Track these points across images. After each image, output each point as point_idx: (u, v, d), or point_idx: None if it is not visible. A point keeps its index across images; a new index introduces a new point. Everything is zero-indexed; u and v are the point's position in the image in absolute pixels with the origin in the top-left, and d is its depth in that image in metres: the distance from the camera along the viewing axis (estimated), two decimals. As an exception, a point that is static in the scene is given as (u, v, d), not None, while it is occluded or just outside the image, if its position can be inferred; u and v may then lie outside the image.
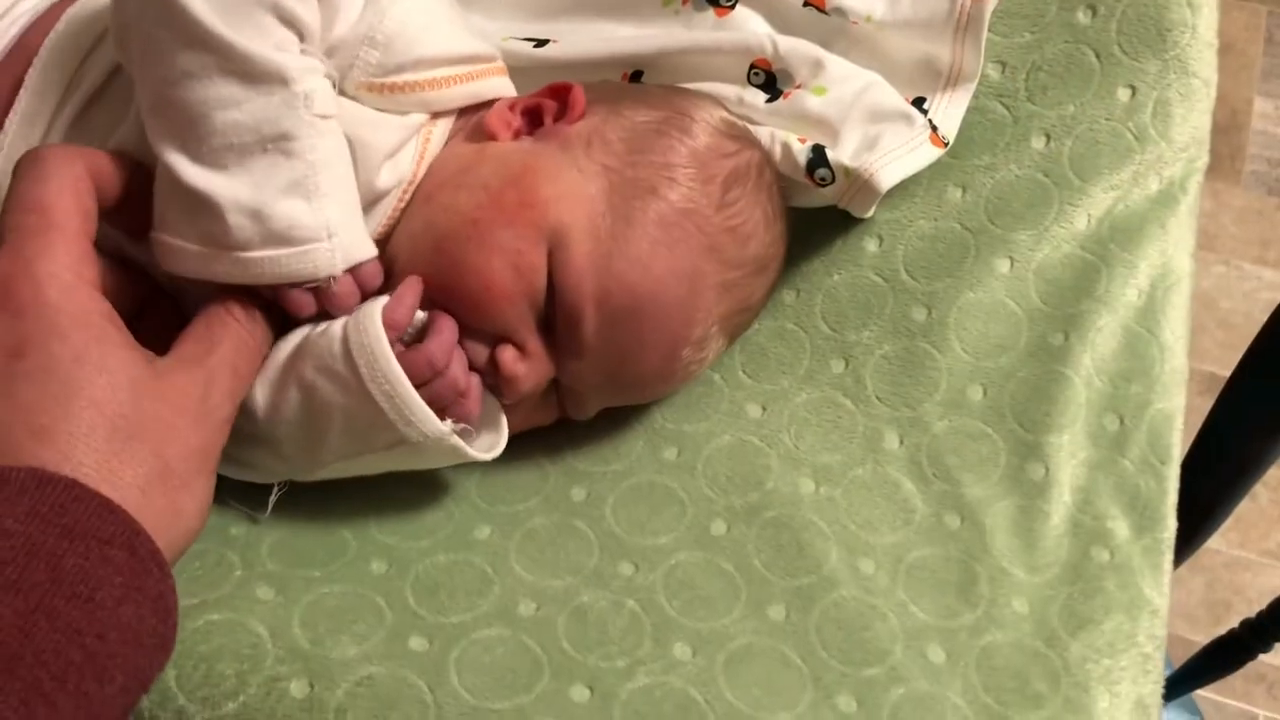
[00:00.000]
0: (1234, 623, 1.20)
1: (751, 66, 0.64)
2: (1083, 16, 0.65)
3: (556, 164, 0.56)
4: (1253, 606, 1.30)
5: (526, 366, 0.55)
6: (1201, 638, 1.16)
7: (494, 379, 0.55)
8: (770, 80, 0.64)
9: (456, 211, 0.55)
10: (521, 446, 0.62)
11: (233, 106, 0.48)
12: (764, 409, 0.64)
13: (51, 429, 0.42)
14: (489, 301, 0.54)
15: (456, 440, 0.53)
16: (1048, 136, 0.66)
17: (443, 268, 0.54)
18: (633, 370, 0.57)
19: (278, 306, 0.52)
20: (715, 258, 0.57)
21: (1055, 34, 0.66)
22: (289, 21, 0.49)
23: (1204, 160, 0.67)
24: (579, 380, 0.57)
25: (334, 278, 0.51)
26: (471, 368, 0.55)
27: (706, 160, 0.57)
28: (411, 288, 0.53)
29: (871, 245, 0.66)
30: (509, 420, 0.57)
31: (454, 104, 0.58)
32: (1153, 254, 0.65)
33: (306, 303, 0.51)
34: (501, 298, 0.54)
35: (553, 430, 0.62)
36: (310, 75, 0.50)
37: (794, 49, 0.63)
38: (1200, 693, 1.20)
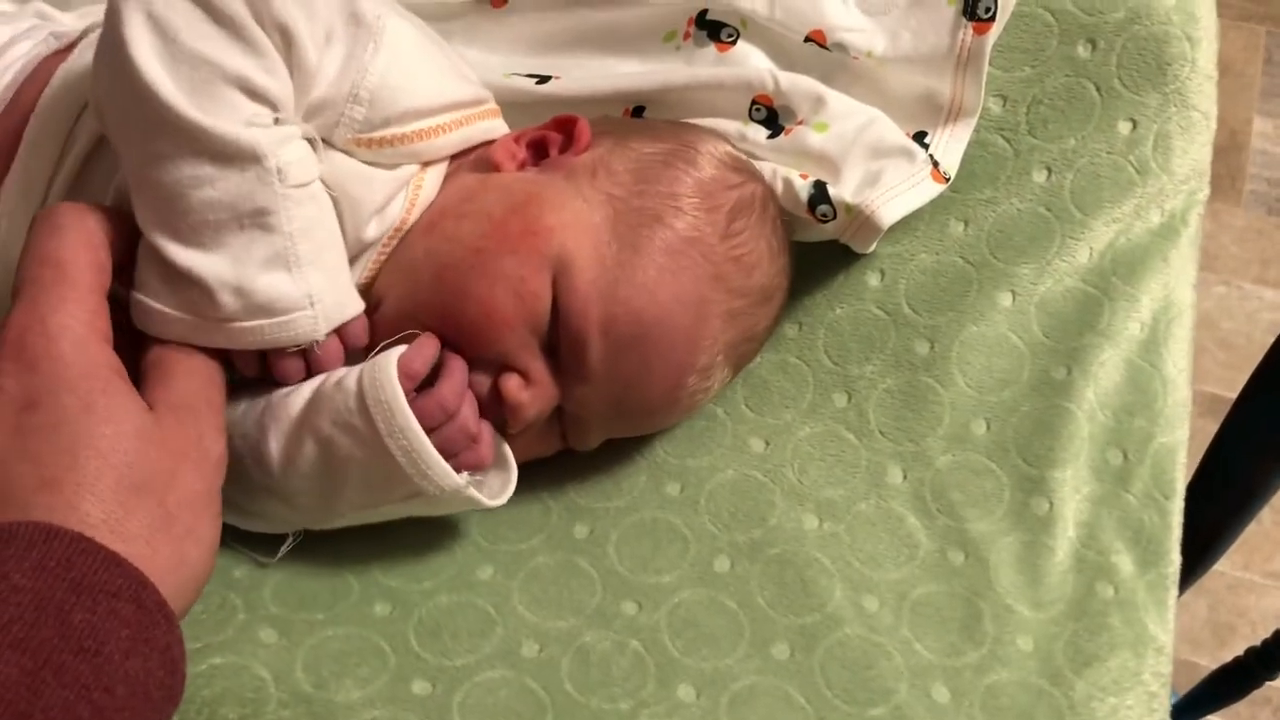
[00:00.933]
0: (1238, 645, 1.20)
1: (753, 102, 0.64)
2: (1083, 50, 0.65)
3: (561, 193, 0.56)
4: (1256, 629, 1.30)
5: (531, 394, 0.55)
6: (1206, 661, 1.16)
7: (498, 407, 0.55)
8: (772, 116, 0.64)
9: (459, 240, 0.55)
10: (523, 482, 0.62)
11: (207, 185, 0.48)
12: (767, 443, 0.64)
13: (60, 480, 0.42)
14: (491, 329, 0.54)
15: (472, 491, 0.54)
16: (1049, 170, 0.66)
17: (444, 296, 0.54)
18: (638, 397, 0.57)
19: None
20: (721, 286, 0.57)
21: (1056, 68, 0.66)
22: (258, 95, 0.49)
23: (1205, 193, 0.67)
24: (584, 407, 0.57)
25: (318, 342, 0.51)
26: (476, 396, 0.55)
27: (712, 191, 0.58)
28: (430, 341, 0.54)
29: (874, 279, 0.66)
30: (513, 450, 0.57)
31: (444, 152, 0.58)
32: (1154, 287, 0.65)
33: (295, 368, 0.52)
34: (504, 325, 0.54)
35: (555, 465, 0.61)
36: (284, 145, 0.49)
37: (795, 85, 0.63)
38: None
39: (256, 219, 0.49)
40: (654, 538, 0.60)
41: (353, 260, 0.55)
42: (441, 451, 0.52)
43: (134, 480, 0.44)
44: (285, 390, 0.54)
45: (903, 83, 0.65)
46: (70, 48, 0.59)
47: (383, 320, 0.56)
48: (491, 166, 0.58)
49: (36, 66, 0.58)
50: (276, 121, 0.50)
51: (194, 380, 0.49)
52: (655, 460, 0.64)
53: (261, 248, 0.49)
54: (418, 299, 0.55)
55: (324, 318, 0.51)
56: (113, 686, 0.38)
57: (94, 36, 0.59)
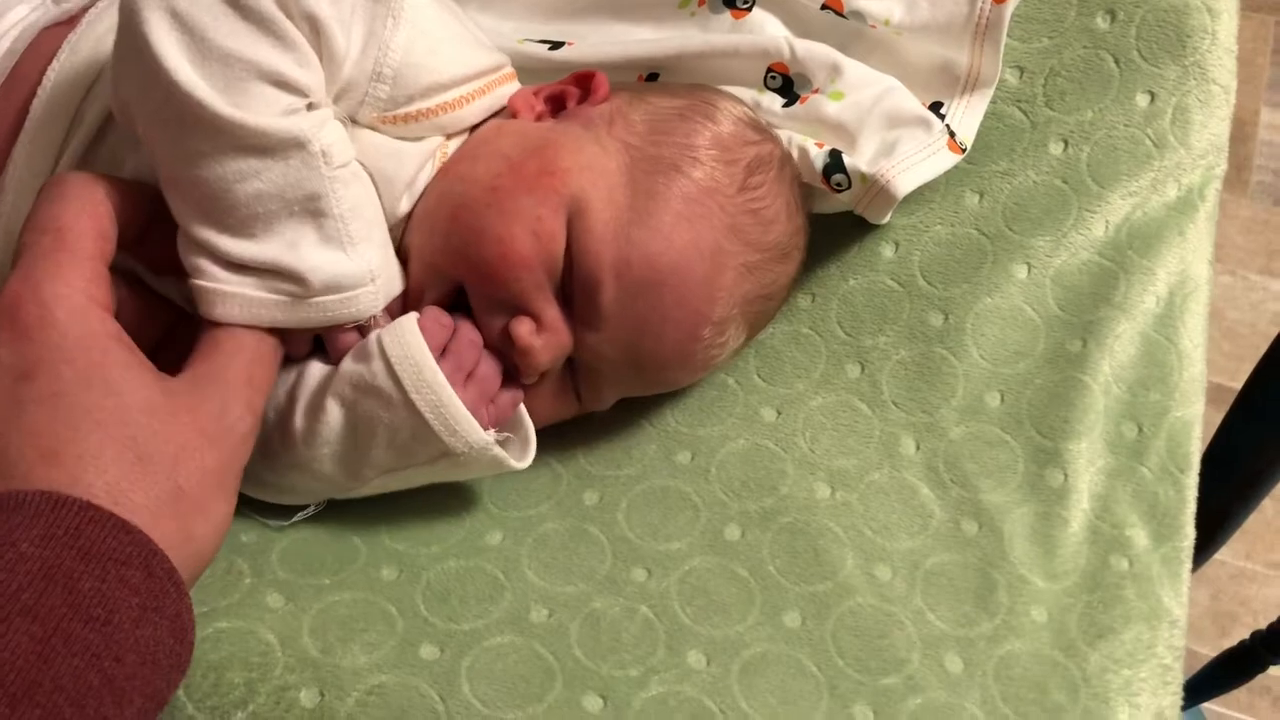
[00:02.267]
0: (1239, 634, 1.19)
1: (769, 70, 0.63)
2: (1102, 22, 0.65)
3: (578, 138, 0.56)
4: (1258, 618, 1.30)
5: (543, 339, 0.54)
6: (1207, 650, 1.15)
7: (510, 353, 0.54)
8: (787, 84, 0.63)
9: (475, 180, 0.55)
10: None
11: (253, 178, 0.47)
12: (779, 413, 0.63)
13: (60, 452, 0.42)
14: (506, 268, 0.53)
15: (498, 450, 0.53)
16: (1066, 142, 0.65)
17: (459, 236, 0.54)
18: (652, 347, 0.56)
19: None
20: (738, 238, 0.56)
21: (1074, 39, 0.65)
22: (290, 87, 0.48)
23: (1222, 167, 0.67)
24: (597, 357, 0.56)
25: (375, 316, 0.52)
26: (487, 342, 0.54)
27: (730, 145, 0.57)
28: (438, 309, 0.54)
29: (888, 250, 0.66)
30: (528, 411, 0.57)
31: (469, 122, 0.58)
32: (1171, 261, 0.65)
33: (351, 341, 0.52)
34: (519, 264, 0.53)
35: (565, 433, 0.61)
36: (323, 129, 0.49)
37: (811, 53, 0.62)
38: (1203, 704, 1.19)
39: (307, 205, 0.48)
40: (664, 505, 0.60)
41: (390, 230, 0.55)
42: (464, 388, 0.52)
43: (139, 452, 0.43)
44: (314, 359, 0.54)
45: (920, 52, 0.64)
46: (72, 20, 0.58)
47: (410, 277, 0.55)
48: (509, 115, 0.58)
49: (36, 37, 0.57)
50: (310, 107, 0.49)
51: (239, 356, 0.48)
52: (666, 429, 0.63)
53: (314, 231, 0.49)
54: (434, 242, 0.54)
55: (384, 292, 0.52)
56: (122, 654, 0.38)
57: (101, 7, 0.59)
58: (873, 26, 0.64)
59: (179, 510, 0.44)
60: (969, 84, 0.64)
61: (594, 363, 0.57)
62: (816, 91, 0.63)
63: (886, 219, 0.64)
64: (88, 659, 0.37)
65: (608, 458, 0.62)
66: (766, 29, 0.65)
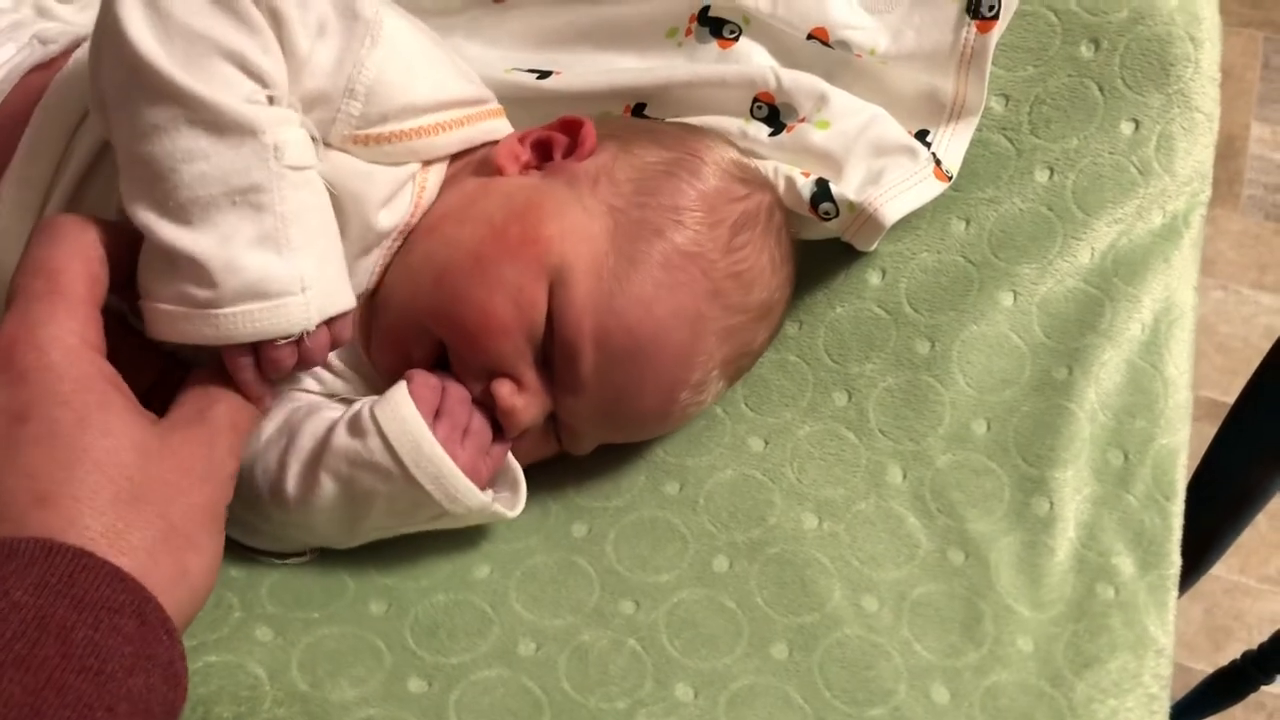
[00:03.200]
0: (1234, 649, 1.20)
1: (755, 100, 0.63)
2: (1086, 50, 0.65)
3: (562, 201, 0.56)
4: (1252, 633, 1.30)
5: (524, 400, 0.55)
6: (1202, 665, 1.15)
7: (492, 410, 0.55)
8: (774, 114, 0.64)
9: (459, 245, 0.55)
10: (522, 481, 0.62)
11: (200, 159, 0.46)
12: (766, 442, 0.63)
13: (56, 494, 0.42)
14: (488, 335, 0.54)
15: (496, 506, 0.54)
16: (1051, 170, 0.66)
17: (443, 300, 0.54)
18: (629, 410, 0.57)
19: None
20: (718, 303, 0.56)
21: (1058, 68, 0.66)
22: (253, 73, 0.48)
23: (1207, 194, 0.67)
24: (575, 417, 0.57)
25: (308, 331, 0.48)
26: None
27: (715, 204, 0.57)
28: (423, 371, 0.54)
29: (874, 278, 0.66)
30: (514, 454, 0.57)
31: (444, 151, 0.58)
32: (1156, 288, 0.65)
33: (286, 356, 0.48)
34: (500, 332, 0.54)
35: (553, 465, 0.61)
36: (282, 126, 0.48)
37: (797, 83, 0.63)
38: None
39: (248, 196, 0.47)
40: (652, 537, 0.60)
41: (368, 250, 0.55)
42: (462, 469, 0.52)
43: (134, 493, 0.43)
44: (305, 424, 0.54)
45: (905, 80, 0.64)
46: (57, 61, 0.59)
47: (385, 323, 0.56)
48: (494, 169, 0.58)
49: (23, 78, 0.58)
50: (272, 101, 0.49)
51: (224, 402, 0.48)
52: (654, 459, 0.63)
53: (251, 226, 0.47)
54: (418, 302, 0.55)
55: (316, 306, 0.48)
56: (115, 704, 0.38)
57: (88, 45, 0.59)
58: (858, 56, 0.64)
59: (173, 548, 0.44)
60: (954, 112, 0.65)
61: (573, 420, 0.57)
62: (803, 120, 0.63)
63: (874, 247, 0.64)
64: (80, 710, 0.37)
65: (596, 489, 0.62)
66: (753, 59, 0.65)
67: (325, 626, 0.53)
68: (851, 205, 0.61)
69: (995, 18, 0.62)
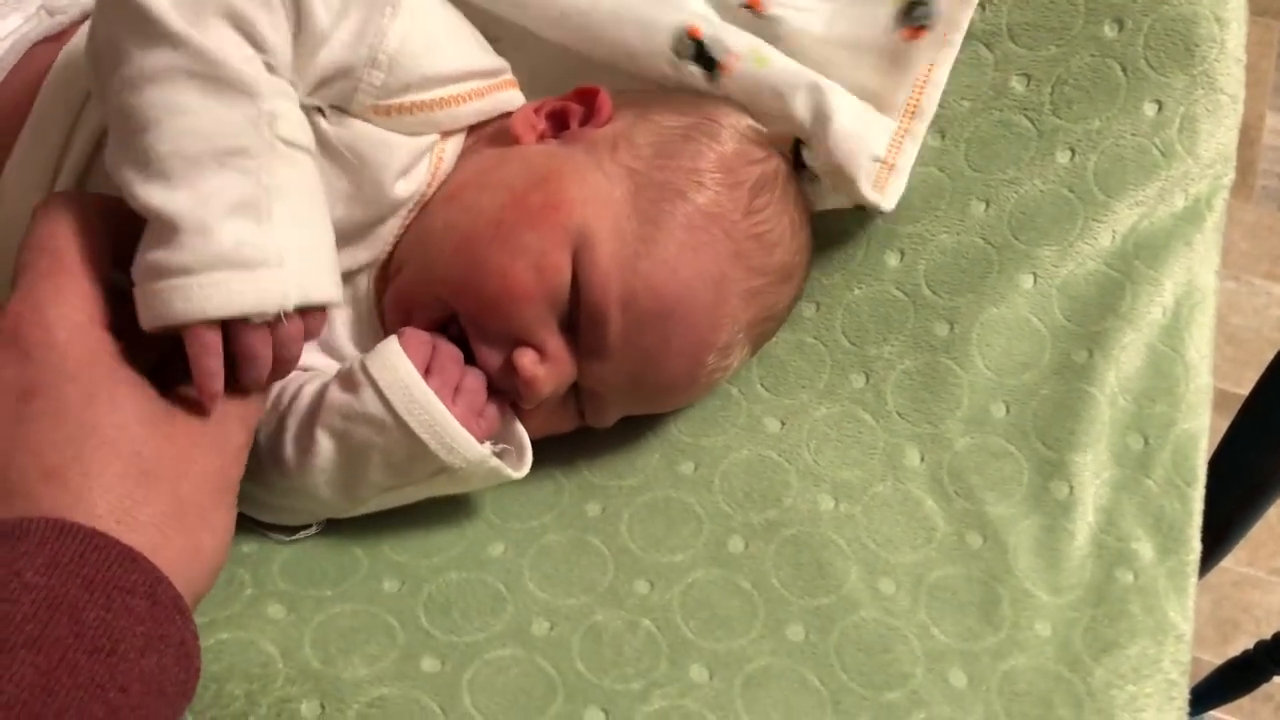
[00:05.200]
0: (1242, 641, 1.19)
1: (685, 34, 0.59)
2: (1109, 30, 0.64)
3: (581, 166, 0.55)
4: (1261, 625, 1.30)
5: (546, 369, 0.54)
6: (1210, 656, 1.15)
7: (512, 382, 0.54)
8: (701, 49, 0.60)
9: (480, 212, 0.54)
10: (536, 458, 0.61)
11: (189, 113, 0.44)
12: (783, 423, 0.63)
13: (64, 470, 0.42)
14: (510, 302, 0.53)
15: (496, 461, 0.53)
16: (1073, 151, 0.65)
17: (463, 268, 0.53)
18: (656, 375, 0.56)
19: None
20: (742, 264, 0.56)
21: (1081, 47, 0.65)
22: (257, 41, 0.46)
23: (1230, 177, 0.67)
24: (602, 384, 0.56)
25: (285, 313, 0.45)
26: (489, 371, 0.54)
27: (734, 166, 0.57)
28: (415, 329, 0.54)
29: (893, 259, 0.65)
30: (528, 426, 0.56)
31: (463, 122, 0.57)
32: (1178, 271, 0.65)
33: (258, 342, 0.45)
34: (523, 299, 0.53)
35: (567, 443, 0.61)
36: (279, 97, 0.47)
37: (729, 29, 0.60)
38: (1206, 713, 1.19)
39: (234, 158, 0.44)
40: (667, 517, 0.59)
41: (383, 218, 0.55)
42: (452, 403, 0.51)
43: (143, 468, 0.43)
44: (303, 385, 0.53)
45: (836, 65, 0.62)
46: (64, 33, 0.58)
47: (402, 289, 0.55)
48: (511, 139, 0.57)
49: (29, 50, 0.57)
50: (269, 69, 0.47)
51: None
52: (669, 439, 0.63)
53: (233, 191, 0.44)
54: (437, 270, 0.54)
55: (295, 284, 0.45)
56: (127, 685, 0.38)
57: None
58: (791, 34, 0.62)
59: (185, 525, 0.44)
60: (883, 108, 0.63)
61: (597, 388, 0.57)
62: (736, 58, 0.60)
63: (882, 197, 0.62)
64: (92, 690, 0.37)
65: (610, 468, 0.61)
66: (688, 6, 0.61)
67: (338, 604, 0.53)
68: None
69: (923, 28, 0.61)
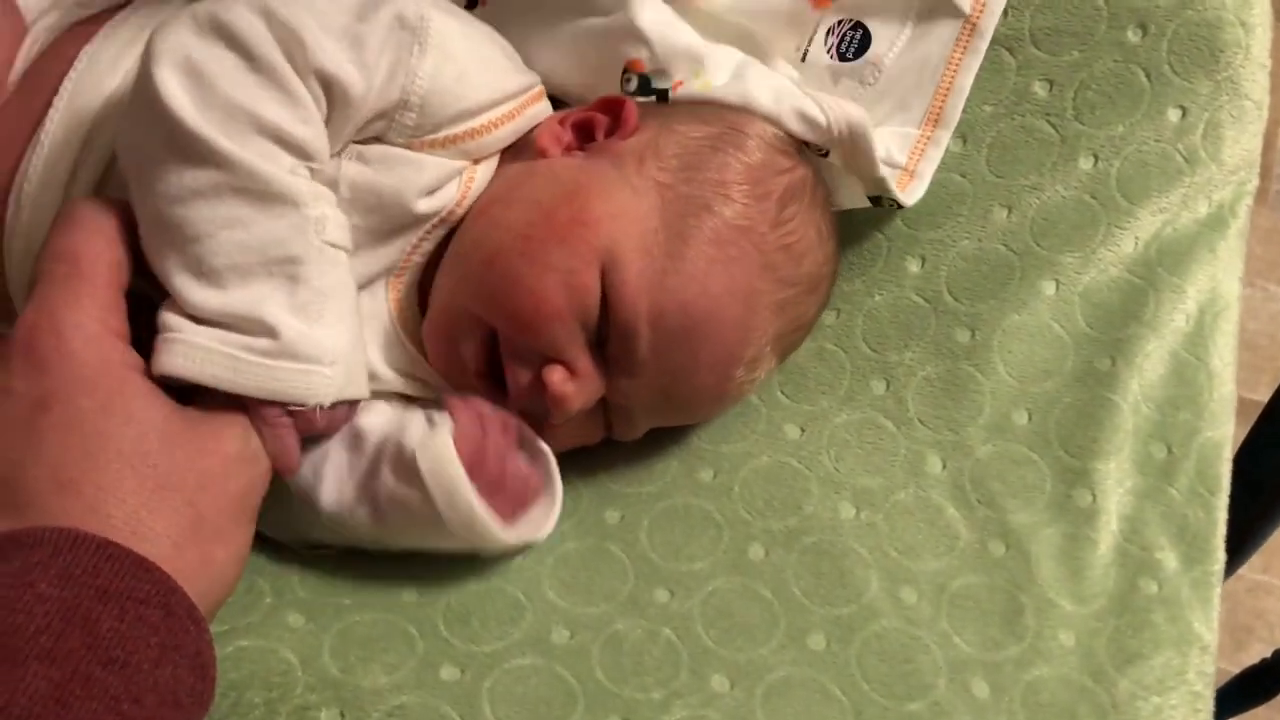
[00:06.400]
0: (1256, 648, 1.18)
1: (624, 73, 0.59)
2: (1133, 35, 0.64)
3: (609, 181, 0.55)
4: (1275, 632, 1.29)
5: (575, 386, 0.53)
6: (1224, 664, 1.14)
7: (541, 399, 0.53)
8: (645, 83, 0.59)
9: (508, 228, 0.54)
10: (554, 465, 0.61)
11: (239, 227, 0.46)
12: (803, 430, 0.62)
13: (78, 481, 0.41)
14: (540, 320, 0.53)
15: (527, 538, 0.54)
16: (1096, 157, 0.64)
17: (493, 284, 0.53)
18: (685, 389, 0.56)
19: None
20: (771, 276, 0.55)
21: (1104, 52, 0.64)
22: (293, 146, 0.47)
23: (1254, 183, 0.66)
24: (631, 400, 0.56)
25: (321, 407, 0.48)
26: (518, 389, 0.54)
27: (761, 177, 0.56)
28: (467, 407, 0.54)
29: (914, 266, 0.65)
30: (556, 440, 0.56)
31: (496, 147, 0.57)
32: (1201, 279, 0.64)
33: (284, 424, 0.48)
34: (553, 316, 0.52)
35: (586, 449, 0.60)
36: (322, 202, 0.48)
37: (667, 42, 0.58)
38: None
39: (286, 267, 0.47)
40: (686, 524, 0.59)
41: (400, 231, 0.54)
42: (498, 512, 0.52)
43: (159, 480, 0.43)
44: (344, 439, 0.53)
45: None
46: (99, 17, 0.58)
47: (439, 311, 0.55)
48: (537, 152, 0.57)
49: (58, 38, 0.57)
50: (312, 174, 0.49)
51: None
52: (688, 446, 0.62)
53: (285, 296, 0.47)
54: (467, 288, 0.54)
55: (339, 384, 0.48)
56: (142, 696, 0.38)
57: (120, 17, 0.58)
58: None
59: (199, 538, 0.43)
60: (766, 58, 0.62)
61: (625, 404, 0.56)
62: (680, 84, 0.59)
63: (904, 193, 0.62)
64: (106, 703, 0.36)
65: (629, 474, 0.61)
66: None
67: (357, 613, 0.53)
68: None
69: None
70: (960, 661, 0.55)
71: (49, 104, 0.54)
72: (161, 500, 0.43)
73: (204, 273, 0.46)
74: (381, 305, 0.56)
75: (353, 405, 0.51)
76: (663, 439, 0.62)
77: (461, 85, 0.53)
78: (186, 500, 0.43)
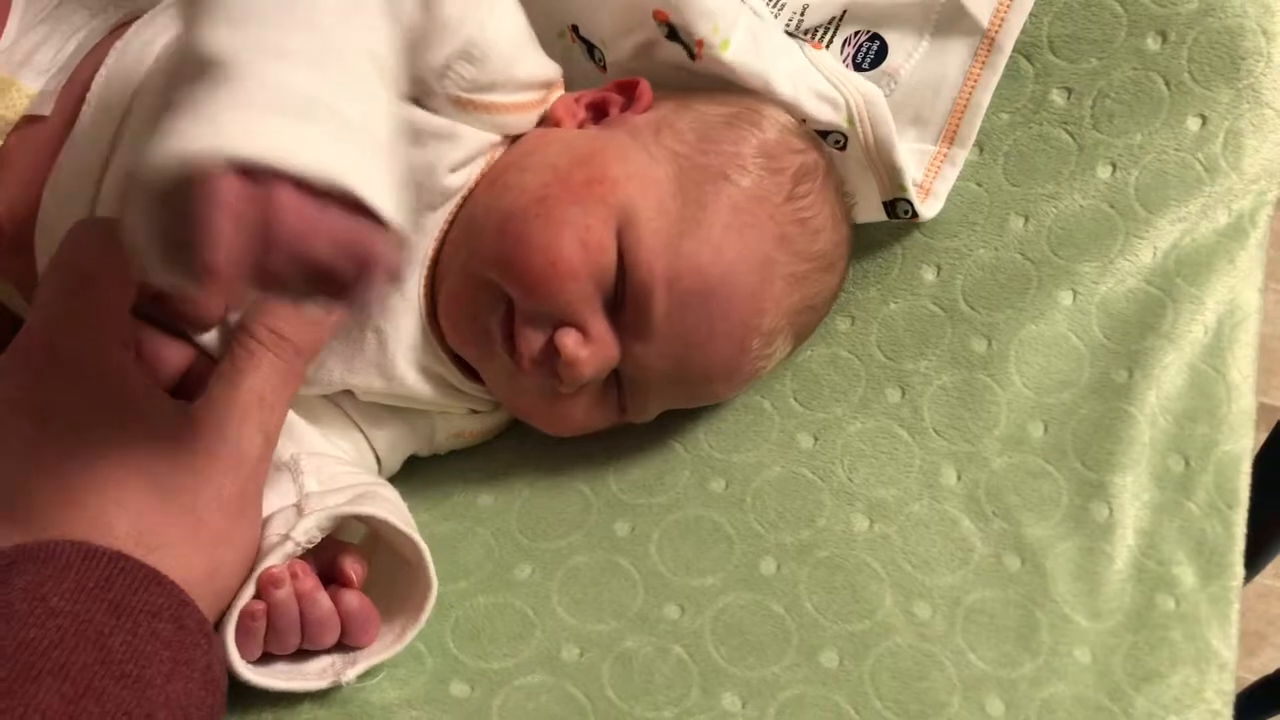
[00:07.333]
0: (1267, 654, 1.17)
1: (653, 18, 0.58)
2: (1152, 43, 0.63)
3: (625, 147, 0.55)
4: (1287, 638, 1.28)
5: (589, 351, 0.53)
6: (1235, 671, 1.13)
7: (553, 364, 0.53)
8: (673, 32, 0.58)
9: (523, 190, 0.53)
10: (563, 473, 0.60)
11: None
12: (816, 439, 0.62)
13: (82, 492, 0.41)
14: (555, 279, 0.52)
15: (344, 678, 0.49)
16: (1114, 166, 0.64)
17: (507, 246, 0.52)
18: (700, 359, 0.55)
19: (309, 322, 0.48)
20: (786, 248, 0.55)
21: (1123, 60, 0.63)
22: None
23: (1275, 193, 0.65)
24: (644, 369, 0.55)
25: (318, 184, 0.34)
26: (530, 353, 0.53)
27: (776, 153, 0.56)
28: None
29: (929, 274, 0.64)
30: (568, 422, 0.56)
31: (523, 129, 0.57)
32: (1220, 289, 0.63)
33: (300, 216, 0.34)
34: (568, 275, 0.52)
35: (595, 456, 0.60)
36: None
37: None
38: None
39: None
40: (697, 537, 0.58)
41: (434, 207, 0.54)
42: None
43: (162, 488, 0.43)
44: None
45: None
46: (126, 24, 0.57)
47: (451, 286, 0.54)
48: (553, 123, 0.57)
49: (99, 42, 0.57)
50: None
51: (253, 374, 0.46)
52: (699, 454, 0.61)
53: (308, 46, 0.37)
54: (482, 253, 0.53)
55: (353, 164, 0.35)
56: (154, 711, 0.37)
57: (147, 18, 0.57)
58: None
59: (204, 543, 0.43)
60: None
61: (639, 375, 0.56)
62: (700, 44, 0.58)
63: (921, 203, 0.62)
64: (119, 718, 0.36)
65: (639, 484, 0.60)
66: None
67: (365, 627, 0.52)
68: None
69: None
70: (974, 679, 0.54)
71: (82, 99, 0.54)
72: (165, 508, 0.42)
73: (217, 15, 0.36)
74: (414, 299, 0.55)
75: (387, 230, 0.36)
76: (673, 446, 0.61)
77: (519, 53, 0.54)
78: (188, 506, 0.43)
